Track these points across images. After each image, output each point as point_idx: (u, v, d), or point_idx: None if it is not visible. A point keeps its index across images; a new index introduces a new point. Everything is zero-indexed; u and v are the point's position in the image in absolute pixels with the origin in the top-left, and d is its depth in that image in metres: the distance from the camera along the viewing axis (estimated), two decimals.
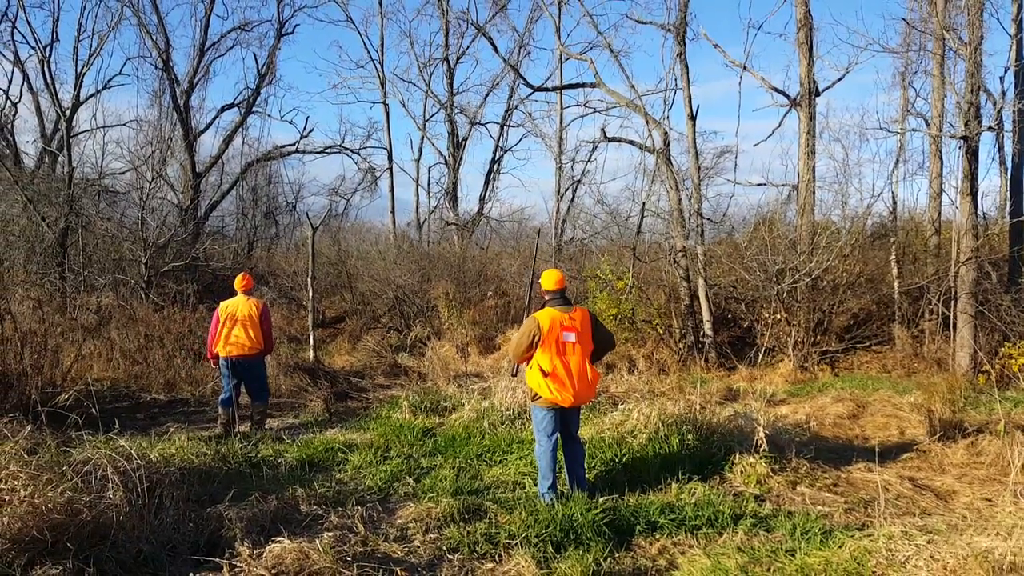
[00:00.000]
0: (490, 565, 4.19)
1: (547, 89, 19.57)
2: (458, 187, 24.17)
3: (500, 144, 25.04)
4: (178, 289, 13.95)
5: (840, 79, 13.29)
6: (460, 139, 24.21)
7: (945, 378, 9.61)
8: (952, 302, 11.29)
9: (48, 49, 20.51)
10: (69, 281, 14.76)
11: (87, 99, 21.31)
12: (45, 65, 20.32)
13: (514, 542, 4.33)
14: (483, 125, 25.17)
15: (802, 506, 5.22)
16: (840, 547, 4.05)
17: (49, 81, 20.37)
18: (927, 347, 11.83)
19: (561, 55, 20.29)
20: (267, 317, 7.67)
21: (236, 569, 3.87)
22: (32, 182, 17.23)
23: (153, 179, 18.58)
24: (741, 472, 5.81)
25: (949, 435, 6.94)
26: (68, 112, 19.82)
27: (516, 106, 24.22)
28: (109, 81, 22.04)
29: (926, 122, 14.34)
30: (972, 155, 11.03)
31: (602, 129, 14.60)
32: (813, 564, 3.91)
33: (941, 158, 13.74)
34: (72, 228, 15.66)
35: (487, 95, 24.55)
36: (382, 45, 24.54)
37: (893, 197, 14.21)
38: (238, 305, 7.51)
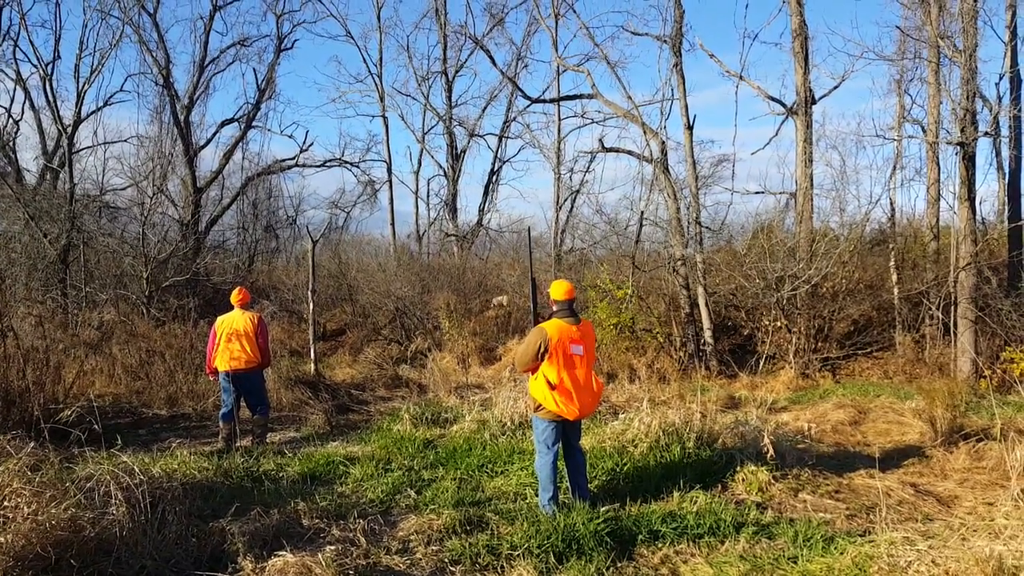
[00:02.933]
0: None
1: (545, 101, 19.69)
2: (457, 198, 24.29)
3: (499, 155, 25.18)
4: (179, 304, 13.97)
5: (836, 87, 13.31)
6: (459, 151, 24.32)
7: (946, 383, 9.60)
8: (952, 307, 11.30)
9: (50, 67, 20.68)
10: (71, 297, 14.80)
11: (88, 116, 21.46)
12: (47, 83, 20.48)
13: (516, 553, 4.33)
14: (482, 137, 25.32)
15: (804, 513, 5.23)
16: (842, 553, 4.06)
17: (51, 98, 20.52)
18: (928, 353, 11.82)
19: (558, 67, 20.43)
20: (263, 331, 7.68)
21: None
22: (34, 199, 17.29)
23: (154, 194, 18.66)
24: (743, 480, 5.82)
25: (951, 440, 6.95)
26: (69, 129, 19.94)
27: (514, 118, 24.37)
28: (110, 98, 22.34)
29: (923, 129, 14.39)
30: (969, 161, 11.08)
31: (600, 140, 14.69)
32: (815, 571, 3.92)
33: (938, 164, 13.79)
34: (74, 244, 15.72)
35: (485, 107, 24.71)
36: (380, 59, 24.76)
37: (891, 203, 14.24)
38: (234, 319, 7.54)
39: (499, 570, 4.25)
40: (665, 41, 13.84)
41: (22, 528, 3.83)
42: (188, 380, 9.84)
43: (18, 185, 19.36)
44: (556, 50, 19.89)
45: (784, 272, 11.88)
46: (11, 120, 22.78)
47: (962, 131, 10.83)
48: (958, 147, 11.03)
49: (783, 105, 13.48)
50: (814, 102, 13.09)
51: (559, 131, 21.60)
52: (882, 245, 14.42)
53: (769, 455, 6.02)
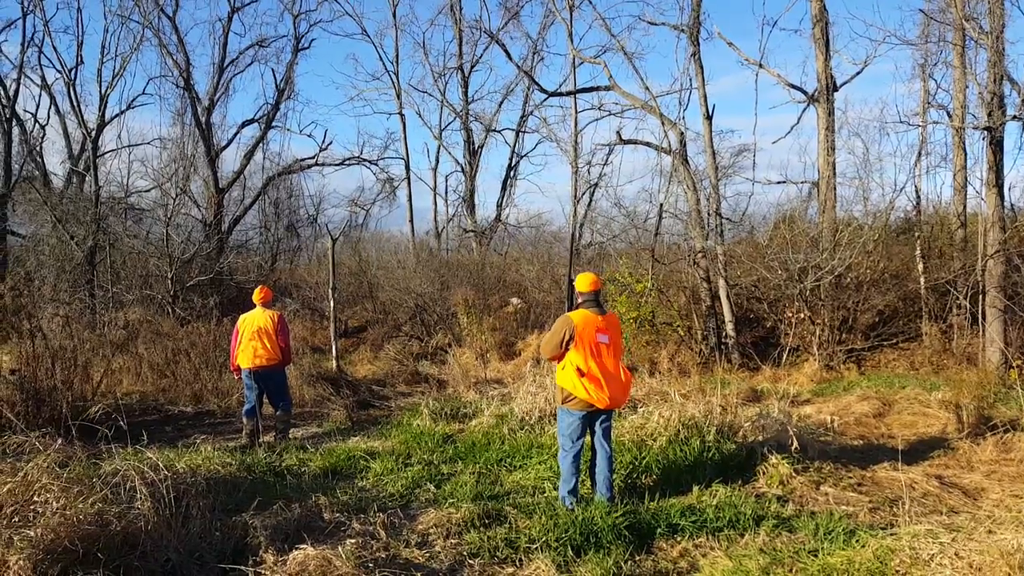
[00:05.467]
0: (510, 569, 4.21)
1: (561, 94, 19.60)
2: (475, 194, 24.28)
3: (516, 150, 25.11)
4: (203, 303, 14.16)
5: (858, 73, 13.17)
6: (476, 147, 24.31)
7: (974, 374, 9.44)
8: (980, 296, 11.09)
9: (73, 72, 21.05)
10: (98, 298, 15.07)
11: (112, 119, 21.81)
12: (71, 88, 20.85)
13: (534, 546, 4.34)
14: (499, 132, 25.26)
15: (826, 506, 5.17)
16: (863, 547, 4.01)
17: (75, 103, 20.89)
18: (956, 343, 11.62)
19: (575, 59, 20.31)
20: (284, 329, 7.76)
21: None
22: (61, 202, 17.65)
23: (177, 196, 18.93)
24: (764, 473, 5.77)
25: (978, 432, 6.84)
26: (94, 133, 20.27)
27: (531, 112, 24.30)
28: (133, 101, 22.57)
29: (948, 114, 14.11)
30: (997, 146, 10.84)
31: (617, 132, 14.62)
32: (836, 564, 3.88)
33: (965, 150, 13.52)
34: (100, 246, 16.01)
35: (502, 102, 24.66)
36: (397, 56, 24.79)
37: (916, 191, 13.99)
38: (256, 318, 7.63)
39: (517, 563, 4.26)
40: (683, 30, 13.72)
41: (51, 522, 3.91)
42: (213, 377, 9.98)
43: (45, 189, 19.77)
44: (572, 42, 19.80)
45: (807, 263, 11.73)
46: (37, 125, 23.30)
47: (989, 115, 10.59)
48: (985, 132, 10.79)
49: (804, 93, 13.32)
50: (836, 89, 12.92)
51: (576, 124, 21.49)
52: (908, 234, 14.18)
53: (794, 447, 5.96)
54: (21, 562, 3.65)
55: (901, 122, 15.26)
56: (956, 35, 12.56)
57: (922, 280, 12.47)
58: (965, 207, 13.77)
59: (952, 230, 13.78)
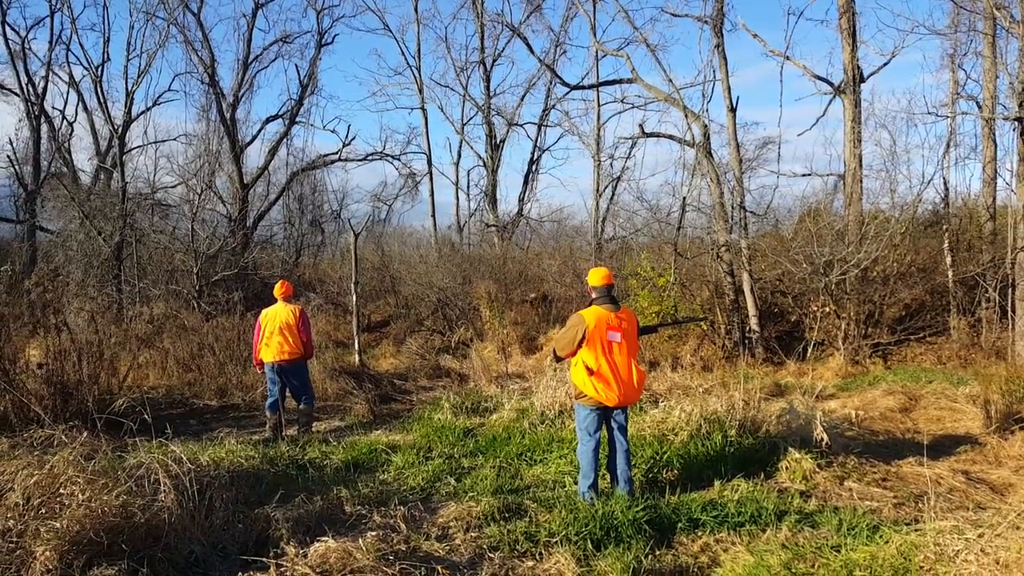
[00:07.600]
0: (530, 563, 4.21)
1: (584, 87, 19.49)
2: (497, 189, 24.20)
3: (538, 144, 25.02)
4: (227, 298, 14.33)
5: (885, 64, 12.90)
6: (498, 141, 24.26)
7: (1003, 369, 9.23)
8: (1010, 290, 10.87)
9: (100, 69, 21.38)
10: (124, 292, 15.31)
11: (138, 116, 22.12)
12: (98, 85, 21.19)
13: (554, 540, 4.34)
14: (520, 126, 25.17)
15: (849, 502, 5.11)
16: (887, 542, 3.95)
17: (102, 100, 21.22)
18: (984, 337, 11.39)
19: (597, 52, 20.19)
20: (305, 323, 7.83)
21: (282, 568, 3.99)
22: (88, 198, 17.96)
23: (202, 191, 19.16)
24: (786, 468, 5.71)
25: (1007, 427, 6.70)
26: (120, 129, 20.58)
27: (553, 106, 24.16)
28: (159, 98, 22.90)
29: (978, 104, 13.80)
30: None
31: (640, 125, 14.49)
32: (858, 559, 3.82)
33: (995, 141, 13.22)
34: (127, 241, 16.27)
35: (524, 96, 24.54)
36: (419, 51, 24.80)
37: (944, 183, 13.71)
38: (278, 313, 7.70)
39: (537, 557, 4.26)
40: (706, 22, 13.55)
41: (77, 514, 3.99)
42: (237, 372, 10.10)
43: (73, 185, 20.16)
44: (595, 35, 19.63)
45: (832, 256, 11.56)
46: (65, 122, 23.73)
47: (1020, 105, 10.35)
48: (1016, 122, 10.55)
49: (830, 84, 13.11)
50: (863, 80, 12.69)
51: (598, 117, 21.37)
52: (935, 226, 13.91)
53: (824, 442, 5.88)
54: (48, 553, 3.73)
55: (929, 113, 14.97)
56: (987, 24, 12.27)
57: (950, 273, 12.23)
58: (995, 199, 13.47)
59: (981, 223, 13.49)
